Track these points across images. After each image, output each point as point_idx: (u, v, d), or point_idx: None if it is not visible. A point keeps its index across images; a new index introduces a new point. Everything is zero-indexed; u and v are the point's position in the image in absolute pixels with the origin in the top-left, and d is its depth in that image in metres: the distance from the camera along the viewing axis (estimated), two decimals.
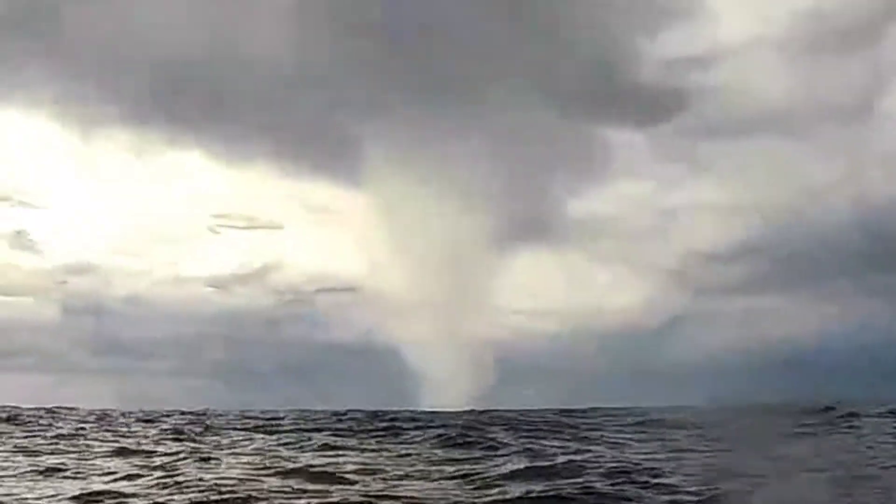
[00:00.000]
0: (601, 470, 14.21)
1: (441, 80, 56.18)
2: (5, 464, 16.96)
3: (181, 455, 18.21)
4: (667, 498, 11.88)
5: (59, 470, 15.95)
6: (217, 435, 25.58)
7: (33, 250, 73.97)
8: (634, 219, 68.72)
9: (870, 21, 62.12)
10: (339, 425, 29.97)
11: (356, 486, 13.62)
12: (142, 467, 16.23)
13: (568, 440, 21.62)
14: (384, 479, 14.51)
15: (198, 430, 27.32)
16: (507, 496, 12.50)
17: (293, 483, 13.84)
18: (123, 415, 40.76)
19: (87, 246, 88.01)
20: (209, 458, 17.60)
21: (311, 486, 13.48)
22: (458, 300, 53.73)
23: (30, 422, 31.42)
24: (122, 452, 19.29)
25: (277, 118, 60.85)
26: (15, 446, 20.87)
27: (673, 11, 60.36)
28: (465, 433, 22.55)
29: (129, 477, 14.89)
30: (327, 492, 12.98)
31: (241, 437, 24.55)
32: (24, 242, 79.25)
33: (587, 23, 56.09)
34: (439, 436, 22.70)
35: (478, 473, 14.81)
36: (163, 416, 40.14)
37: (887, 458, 15.65)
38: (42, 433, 25.75)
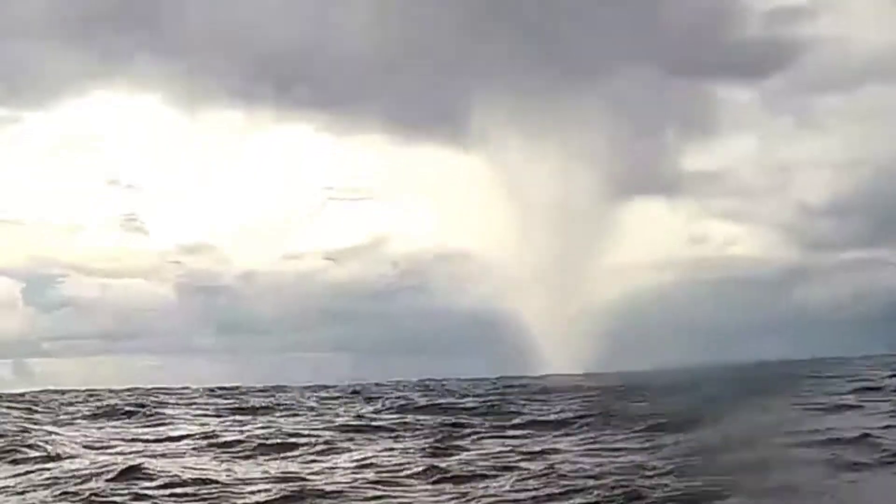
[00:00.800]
0: None
1: (549, 43, 55.73)
2: None
3: None
4: None
5: None
6: None
7: (143, 231, 76.60)
8: (745, 173, 67.20)
9: None
10: None
11: None
12: None
13: None
14: None
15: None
16: None
17: None
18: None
19: (199, 225, 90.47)
20: None
21: None
22: (573, 260, 53.48)
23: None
24: None
25: (385, 88, 61.48)
26: None
27: None
28: None
29: None
30: None
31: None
32: (135, 225, 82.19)
33: None
34: None
35: None
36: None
37: None
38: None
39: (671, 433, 15.74)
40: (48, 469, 14.38)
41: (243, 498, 11.75)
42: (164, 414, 25.35)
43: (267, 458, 15.63)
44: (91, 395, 38.71)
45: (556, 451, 15.22)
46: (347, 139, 76.02)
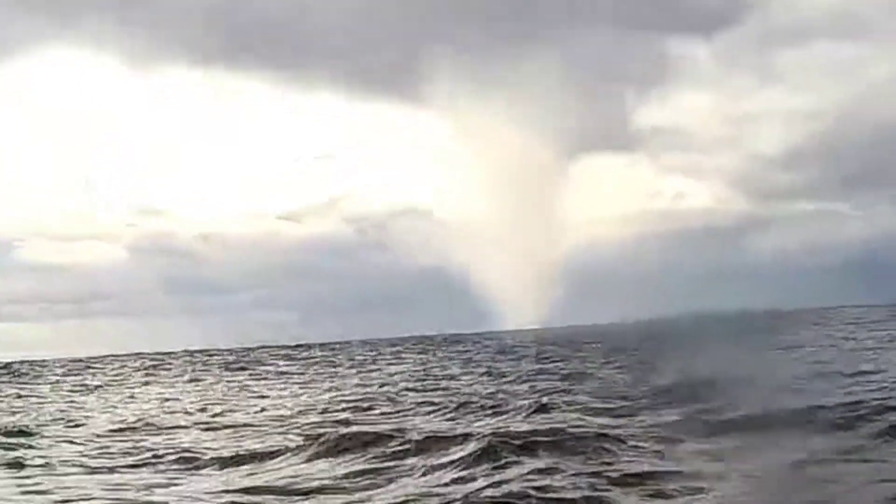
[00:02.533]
0: None
1: (503, 9, 54.95)
2: None
3: None
4: None
5: None
6: None
7: (102, 195, 74.80)
8: (700, 127, 67.06)
9: None
10: None
11: None
12: None
13: None
14: None
15: None
16: None
17: None
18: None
19: (155, 187, 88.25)
20: None
21: None
22: (531, 215, 52.97)
23: None
24: None
25: (343, 46, 59.90)
26: None
27: None
28: None
29: None
30: None
31: None
32: (91, 188, 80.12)
33: None
34: None
35: None
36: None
37: None
38: None
39: None
40: None
41: None
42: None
43: None
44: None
45: None
46: (306, 97, 74.63)
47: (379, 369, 31.41)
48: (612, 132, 57.94)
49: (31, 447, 14.52)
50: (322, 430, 13.97)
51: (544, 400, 15.52)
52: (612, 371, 22.58)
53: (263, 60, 65.95)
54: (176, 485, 11.22)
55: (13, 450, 14.04)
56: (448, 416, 15.66)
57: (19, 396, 26.62)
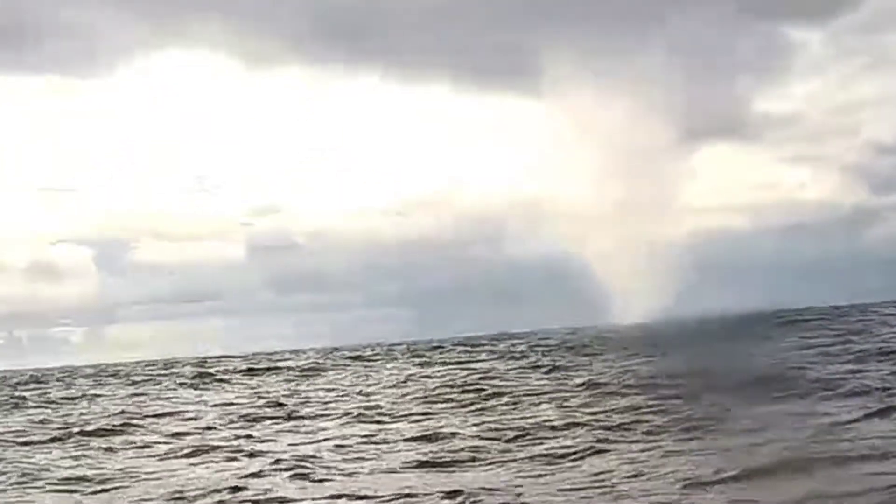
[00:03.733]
0: None
1: None
2: None
3: None
4: None
5: None
6: None
7: (213, 194, 76.40)
8: (815, 116, 64.57)
9: None
10: None
11: None
12: None
13: None
14: None
15: None
16: None
17: None
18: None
19: (268, 186, 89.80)
20: None
21: None
22: (645, 205, 51.94)
23: None
24: None
25: (451, 38, 59.91)
26: None
27: None
28: None
29: None
30: None
31: None
32: (205, 187, 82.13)
33: None
34: None
35: None
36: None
37: None
38: None
39: None
40: None
41: None
42: None
43: None
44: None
45: None
46: (415, 89, 74.85)
47: None
48: (730, 120, 56.19)
49: None
50: None
51: None
52: None
53: (374, 55, 65.90)
54: None
55: None
56: None
57: None
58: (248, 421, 19.06)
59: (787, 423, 12.57)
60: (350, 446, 14.66)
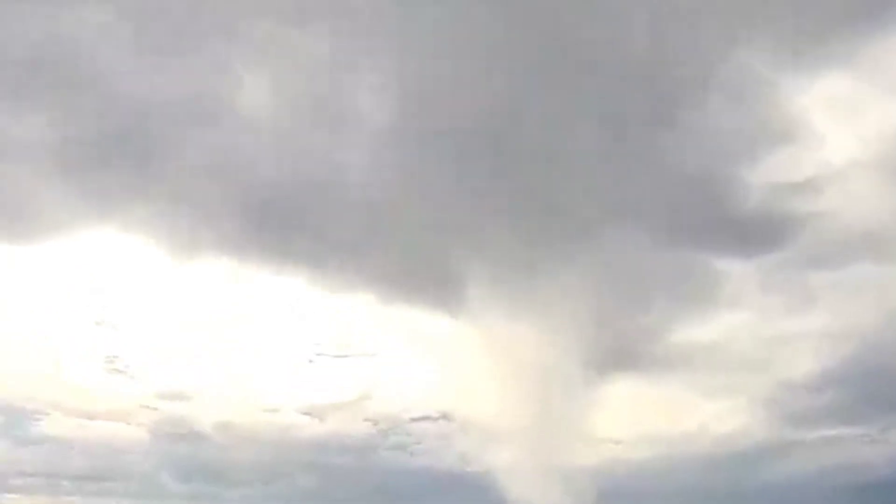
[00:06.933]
0: None
1: (538, 209, 55.74)
2: None
3: None
4: None
5: None
6: None
7: (124, 374, 74.99)
8: (735, 347, 66.91)
9: None
10: None
11: None
12: None
13: None
14: None
15: None
16: None
17: None
18: None
19: (180, 372, 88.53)
20: None
21: None
22: (553, 428, 52.32)
23: None
24: None
25: (377, 247, 61.18)
26: None
27: (777, 135, 59.38)
28: None
29: None
30: None
31: None
32: (116, 367, 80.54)
33: (691, 149, 55.56)
34: None
35: None
36: None
37: None
38: None
39: None
40: None
41: None
42: None
43: None
44: None
45: None
46: (338, 296, 75.64)
47: None
48: (646, 350, 57.71)
49: None
50: None
51: None
52: None
53: (300, 258, 66.99)
54: None
55: None
56: None
57: None
58: None
59: None
60: None
